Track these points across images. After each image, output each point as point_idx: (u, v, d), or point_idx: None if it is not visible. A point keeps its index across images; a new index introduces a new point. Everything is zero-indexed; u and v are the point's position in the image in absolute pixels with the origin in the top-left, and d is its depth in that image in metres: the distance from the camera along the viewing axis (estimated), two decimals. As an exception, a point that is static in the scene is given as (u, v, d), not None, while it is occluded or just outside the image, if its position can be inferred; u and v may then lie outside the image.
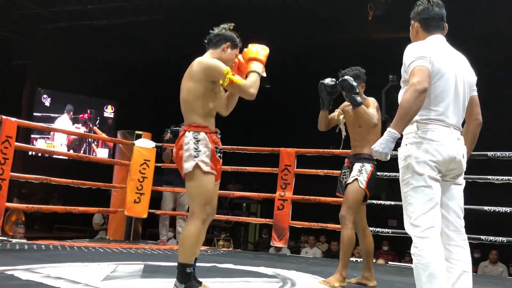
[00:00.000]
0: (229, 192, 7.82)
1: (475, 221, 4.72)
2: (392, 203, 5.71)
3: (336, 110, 3.84)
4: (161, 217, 6.37)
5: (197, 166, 2.69)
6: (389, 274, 4.77)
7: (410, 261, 6.28)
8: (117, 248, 5.19)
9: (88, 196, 8.58)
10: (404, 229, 5.43)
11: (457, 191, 2.38)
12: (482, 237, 4.95)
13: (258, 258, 5.47)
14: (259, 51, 2.88)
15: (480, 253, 8.07)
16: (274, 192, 5.74)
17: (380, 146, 2.22)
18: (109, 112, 13.22)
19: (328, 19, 9.40)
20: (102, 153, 12.69)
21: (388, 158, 2.27)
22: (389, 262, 7.19)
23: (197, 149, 2.70)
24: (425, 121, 2.29)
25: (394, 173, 5.54)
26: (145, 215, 6.22)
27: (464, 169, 2.38)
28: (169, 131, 6.38)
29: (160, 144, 6.37)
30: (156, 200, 6.50)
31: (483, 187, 5.64)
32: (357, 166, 3.57)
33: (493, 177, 5.01)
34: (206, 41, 2.91)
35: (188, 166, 2.70)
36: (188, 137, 2.72)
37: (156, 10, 10.20)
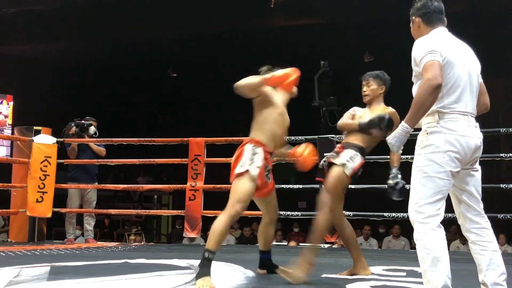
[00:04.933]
0: (137, 186, 7.65)
1: (378, 199, 4.96)
2: (301, 186, 5.89)
3: (350, 112, 3.64)
4: (67, 215, 6.11)
5: (247, 170, 3.06)
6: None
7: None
8: (21, 251, 4.91)
9: (-15, 198, 8.04)
10: (313, 211, 5.59)
11: (476, 176, 2.43)
12: (385, 213, 5.23)
13: (171, 250, 5.41)
14: (285, 72, 3.17)
15: (384, 229, 8.51)
16: (186, 183, 5.68)
17: (393, 139, 2.32)
18: (4, 107, 12.39)
19: (230, 7, 9.40)
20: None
21: (400, 151, 2.42)
22: (300, 244, 7.39)
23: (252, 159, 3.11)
24: (446, 111, 2.32)
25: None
26: (49, 214, 5.94)
27: (480, 154, 2.41)
28: (73, 124, 6.11)
29: (62, 139, 6.09)
30: (61, 198, 6.23)
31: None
32: (350, 151, 3.37)
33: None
34: None
35: (241, 168, 3.10)
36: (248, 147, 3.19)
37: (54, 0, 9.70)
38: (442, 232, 2.27)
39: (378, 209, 5.41)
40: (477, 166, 2.43)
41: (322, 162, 3.53)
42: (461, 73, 2.35)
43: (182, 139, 5.88)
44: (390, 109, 3.44)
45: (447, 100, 2.32)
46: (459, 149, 2.29)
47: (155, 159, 6.19)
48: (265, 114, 3.23)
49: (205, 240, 8.49)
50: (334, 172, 3.33)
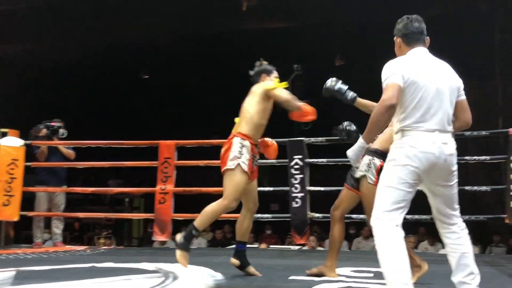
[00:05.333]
0: (107, 189, 7.58)
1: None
2: (271, 188, 5.92)
3: None
4: (35, 218, 6.02)
5: (238, 164, 3.36)
6: (271, 258, 4.93)
7: (291, 243, 6.48)
8: (-14, 256, 4.81)
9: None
10: (285, 213, 5.59)
11: (450, 191, 2.54)
12: (353, 215, 5.28)
13: (141, 254, 5.38)
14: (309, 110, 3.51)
15: (354, 230, 8.61)
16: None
17: (350, 152, 2.57)
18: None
19: (203, 9, 9.39)
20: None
21: (357, 165, 2.64)
22: (271, 246, 7.43)
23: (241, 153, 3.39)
24: (408, 128, 2.47)
25: (275, 160, 5.73)
26: (16, 218, 5.84)
27: (453, 168, 2.51)
28: (43, 127, 6.02)
29: (29, 141, 5.99)
30: (29, 201, 6.13)
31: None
32: (366, 159, 3.32)
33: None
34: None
35: (232, 162, 3.37)
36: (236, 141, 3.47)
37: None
38: (399, 236, 2.38)
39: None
40: (452, 182, 2.53)
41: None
42: (426, 92, 2.47)
43: (152, 141, 5.85)
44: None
45: (410, 119, 2.46)
46: (418, 164, 2.41)
47: (124, 162, 6.14)
48: (261, 112, 3.49)
49: (176, 244, 8.44)
50: (365, 191, 3.29)
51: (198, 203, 7.17)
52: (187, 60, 10.86)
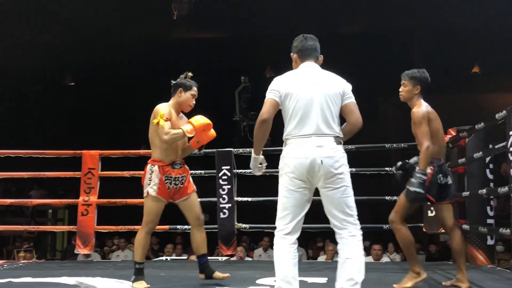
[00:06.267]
0: (26, 200, 7.24)
1: (274, 211, 5.06)
2: (200, 199, 5.86)
3: None
4: None
5: (147, 192, 3.53)
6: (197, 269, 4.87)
7: (219, 254, 6.42)
8: None
9: None
10: (215, 223, 5.66)
11: (335, 194, 2.61)
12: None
13: (62, 267, 5.16)
14: (198, 119, 3.51)
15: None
16: (82, 197, 5.48)
17: (251, 164, 2.81)
18: None
19: (134, 16, 9.26)
20: None
21: (260, 173, 2.79)
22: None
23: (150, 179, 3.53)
24: (287, 138, 2.67)
25: (204, 171, 5.71)
26: None
27: (335, 171, 2.59)
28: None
29: None
30: None
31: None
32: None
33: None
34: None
35: (144, 190, 3.55)
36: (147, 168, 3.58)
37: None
38: (285, 242, 2.61)
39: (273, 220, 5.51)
40: (338, 185, 2.62)
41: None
42: (300, 101, 2.65)
43: (75, 151, 5.67)
44: (415, 113, 3.36)
45: (289, 128, 2.66)
46: (294, 170, 2.59)
47: (46, 173, 5.91)
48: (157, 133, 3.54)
49: (101, 256, 8.26)
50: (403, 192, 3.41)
51: (122, 215, 7.06)
52: (116, 67, 10.65)
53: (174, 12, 8.96)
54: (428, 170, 3.27)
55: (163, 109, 3.50)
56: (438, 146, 3.39)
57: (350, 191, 2.65)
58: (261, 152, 2.77)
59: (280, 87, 2.69)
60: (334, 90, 2.70)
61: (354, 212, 2.66)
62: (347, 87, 2.75)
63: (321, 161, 2.56)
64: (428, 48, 10.31)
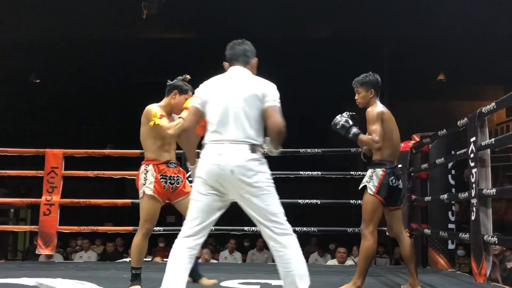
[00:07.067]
0: (-13, 199, 7.06)
1: (236, 214, 5.06)
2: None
3: None
4: None
5: (143, 191, 3.42)
6: (161, 271, 4.82)
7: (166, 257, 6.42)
8: None
9: None
10: (181, 225, 5.61)
11: (253, 204, 2.51)
12: (245, 228, 5.35)
13: (22, 268, 5.06)
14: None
15: (249, 242, 8.70)
16: (45, 196, 5.38)
17: (191, 173, 2.77)
18: None
19: (102, 14, 9.13)
20: None
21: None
22: (166, 259, 7.29)
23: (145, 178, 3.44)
24: (206, 143, 2.60)
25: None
26: None
27: (248, 180, 2.48)
28: None
29: None
30: None
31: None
32: (368, 172, 3.43)
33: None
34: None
35: (140, 191, 3.45)
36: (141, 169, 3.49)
37: None
38: (183, 245, 2.54)
39: (240, 223, 5.51)
40: (250, 195, 2.50)
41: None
42: (218, 107, 2.59)
43: (38, 150, 5.56)
44: (369, 112, 3.43)
45: (208, 134, 2.61)
46: (205, 176, 2.54)
47: (8, 171, 5.78)
48: (148, 133, 3.48)
49: (63, 257, 8.10)
50: (363, 199, 3.46)
51: (85, 215, 6.96)
52: (83, 65, 10.49)
53: (144, 11, 8.87)
54: (380, 172, 3.34)
55: (154, 108, 3.43)
56: (391, 149, 3.40)
57: (270, 198, 2.53)
58: (197, 162, 2.65)
59: (201, 94, 2.66)
60: (251, 93, 2.58)
61: (281, 218, 2.54)
62: (268, 89, 2.61)
63: (232, 170, 2.48)
64: (396, 55, 10.49)
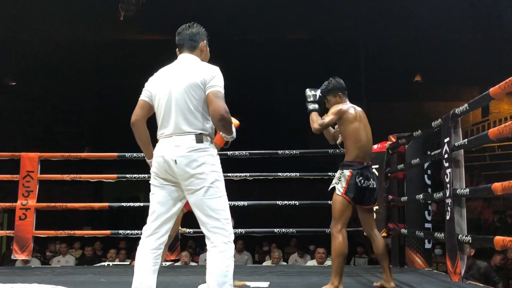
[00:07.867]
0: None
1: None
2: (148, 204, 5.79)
3: None
4: None
5: None
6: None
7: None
8: None
9: None
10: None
11: (195, 196, 2.45)
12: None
13: (-3, 274, 4.97)
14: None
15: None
16: (20, 201, 5.30)
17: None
18: None
19: (77, 17, 9.05)
20: None
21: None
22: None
23: None
24: (158, 138, 2.57)
25: (148, 175, 5.63)
26: None
27: (192, 171, 2.42)
28: None
29: None
30: None
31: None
32: (337, 173, 3.50)
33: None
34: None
35: None
36: None
37: None
38: (146, 246, 2.50)
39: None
40: (196, 187, 2.45)
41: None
42: (162, 99, 2.54)
43: (13, 154, 5.48)
44: (334, 106, 3.54)
45: (158, 129, 2.58)
46: (155, 170, 2.54)
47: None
48: None
49: (41, 262, 7.96)
50: (332, 199, 3.51)
51: (61, 219, 6.86)
52: (59, 67, 10.37)
53: (121, 13, 8.83)
54: (347, 173, 3.41)
55: None
56: (358, 149, 3.45)
57: (215, 192, 2.45)
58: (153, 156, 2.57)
59: (148, 86, 2.62)
60: (191, 81, 2.48)
61: (222, 215, 2.45)
62: (208, 75, 2.50)
63: (175, 160, 2.43)
64: (373, 57, 10.59)
